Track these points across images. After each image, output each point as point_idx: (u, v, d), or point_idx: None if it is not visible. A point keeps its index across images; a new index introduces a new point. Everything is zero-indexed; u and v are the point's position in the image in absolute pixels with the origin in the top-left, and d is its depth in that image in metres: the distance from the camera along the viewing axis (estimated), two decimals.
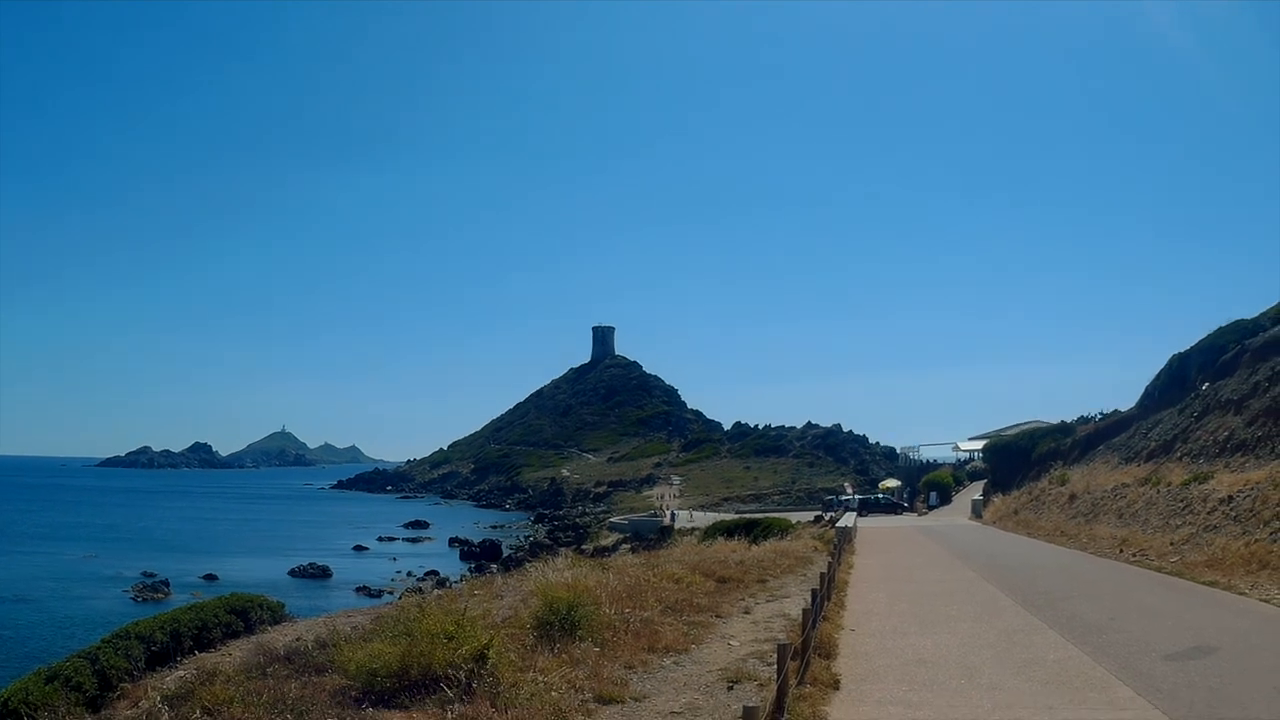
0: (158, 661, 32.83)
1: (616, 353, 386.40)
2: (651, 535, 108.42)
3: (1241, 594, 33.29)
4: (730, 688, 18.58)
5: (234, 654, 30.98)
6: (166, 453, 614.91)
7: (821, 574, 30.01)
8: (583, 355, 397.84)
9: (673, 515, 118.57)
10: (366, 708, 16.32)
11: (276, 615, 39.74)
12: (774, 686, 15.73)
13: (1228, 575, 37.03)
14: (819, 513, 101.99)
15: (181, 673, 29.53)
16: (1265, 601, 31.29)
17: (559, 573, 33.20)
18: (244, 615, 37.71)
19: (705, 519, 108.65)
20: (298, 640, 28.51)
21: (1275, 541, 38.22)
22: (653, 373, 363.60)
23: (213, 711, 15.80)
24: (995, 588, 36.70)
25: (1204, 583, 36.58)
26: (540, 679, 17.54)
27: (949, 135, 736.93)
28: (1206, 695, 17.72)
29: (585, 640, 21.63)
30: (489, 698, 15.99)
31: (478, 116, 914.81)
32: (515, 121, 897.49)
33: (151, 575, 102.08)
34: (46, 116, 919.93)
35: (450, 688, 16.45)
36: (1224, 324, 76.97)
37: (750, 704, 10.95)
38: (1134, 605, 31.07)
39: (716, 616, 28.11)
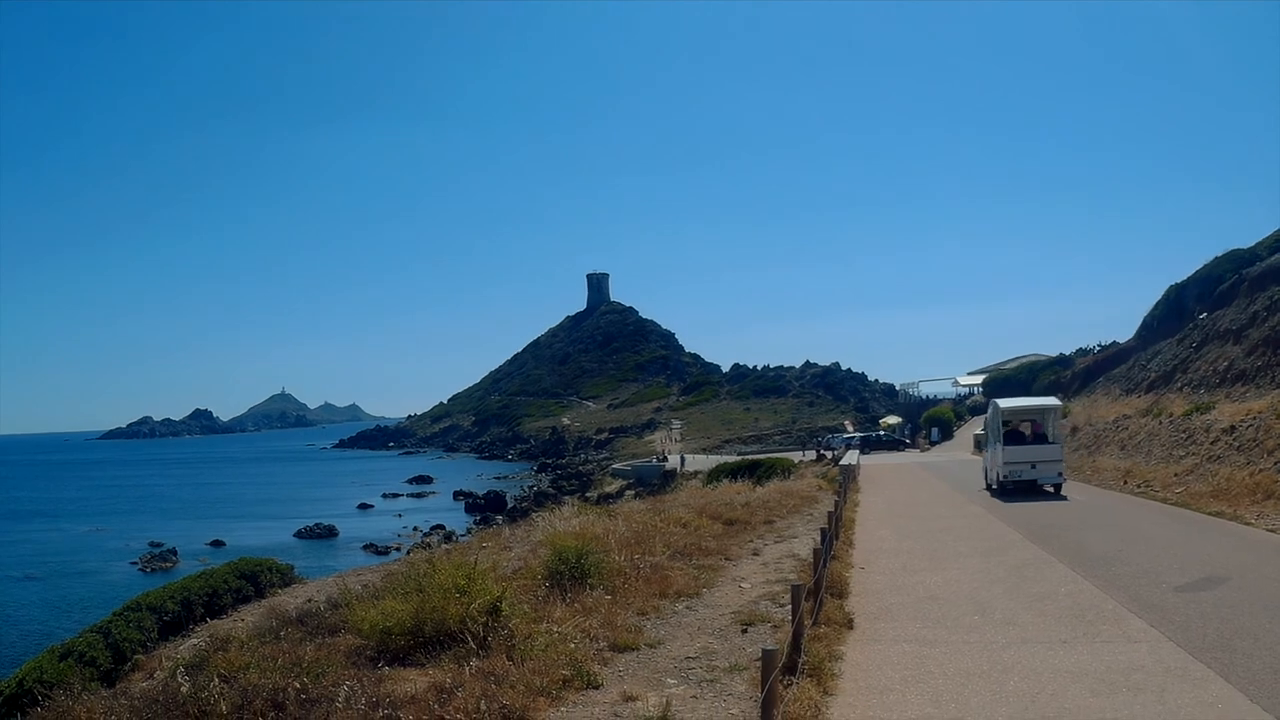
0: (170, 631, 32.86)
1: (612, 299, 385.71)
2: (655, 480, 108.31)
3: (1248, 524, 33.57)
4: (744, 630, 18.56)
5: (246, 619, 30.99)
6: (167, 421, 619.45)
7: (829, 513, 29.83)
8: (578, 303, 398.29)
9: (681, 459, 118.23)
10: (382, 666, 16.21)
11: (286, 578, 39.77)
12: (788, 628, 15.73)
13: (1233, 505, 37.18)
14: (821, 451, 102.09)
15: (195, 641, 29.54)
16: (1272, 531, 31.51)
17: (566, 521, 33.45)
18: (254, 579, 37.72)
19: (707, 461, 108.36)
20: (309, 602, 28.49)
21: None
22: (649, 318, 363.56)
23: (229, 679, 15.71)
24: (1001, 522, 36.94)
25: (1209, 513, 36.81)
26: (555, 629, 17.45)
27: (941, 71, 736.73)
28: (1219, 626, 17.78)
29: (596, 588, 21.58)
30: (505, 651, 15.94)
31: (467, 70, 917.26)
32: (504, 73, 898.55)
33: (158, 545, 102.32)
34: (39, 88, 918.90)
35: (465, 642, 16.40)
36: (1220, 254, 77.05)
37: (769, 646, 10.88)
38: (1141, 537, 31.28)
39: (726, 559, 28.12)
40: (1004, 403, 55.38)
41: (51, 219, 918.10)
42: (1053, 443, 50.48)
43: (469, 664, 15.37)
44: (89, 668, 27.86)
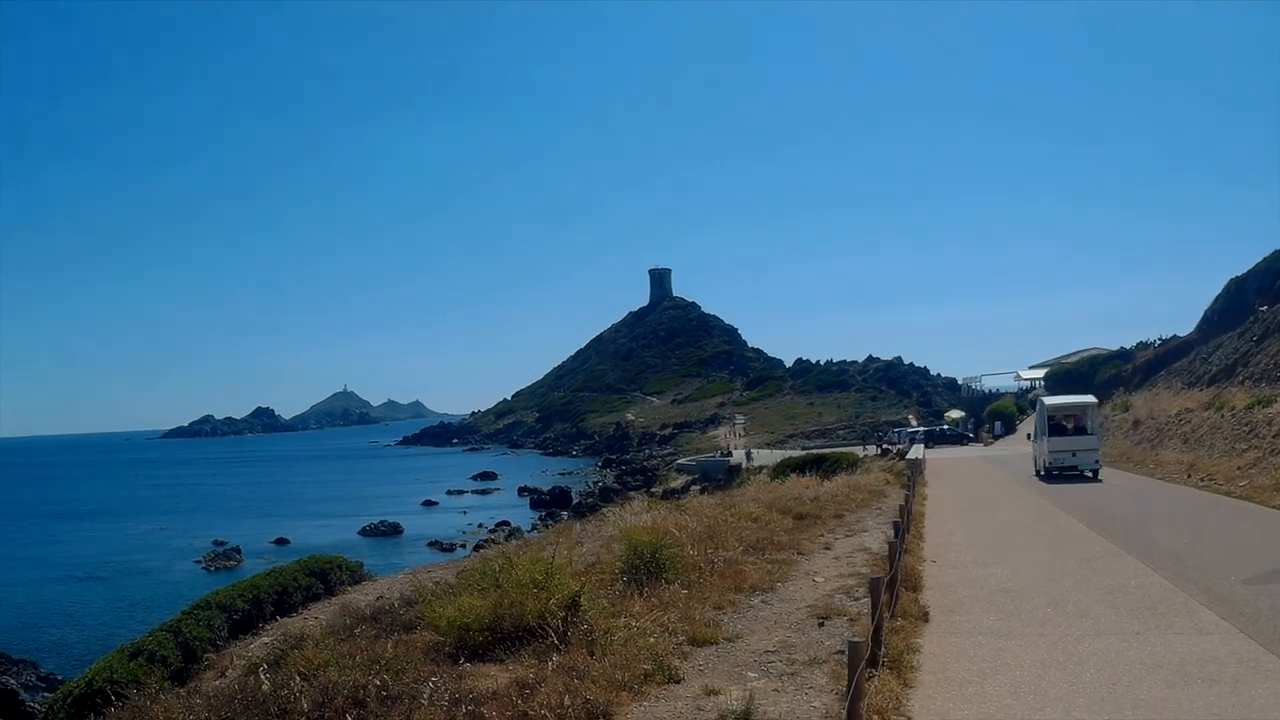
0: (240, 629, 33.07)
1: (674, 294, 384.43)
2: (720, 475, 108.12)
3: None
4: (821, 624, 18.59)
5: (318, 617, 31.07)
6: (229, 420, 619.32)
7: (900, 506, 30.14)
8: (641, 299, 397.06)
9: (748, 454, 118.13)
10: (463, 663, 16.29)
11: (356, 575, 39.96)
12: (864, 621, 16.04)
13: None
14: (885, 446, 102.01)
15: (265, 639, 29.80)
16: None
17: (636, 516, 33.34)
18: (323, 577, 37.90)
19: (772, 456, 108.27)
20: (381, 599, 28.78)
21: None
22: (711, 313, 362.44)
23: (308, 676, 15.96)
24: (1069, 515, 36.95)
25: (1274, 506, 36.83)
26: (633, 624, 17.61)
27: (1011, 66, 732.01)
28: None
29: (672, 583, 21.68)
30: (584, 645, 16.10)
31: (529, 63, 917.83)
32: (567, 66, 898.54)
33: (222, 543, 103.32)
34: (96, 82, 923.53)
35: (545, 638, 16.50)
36: None
37: (854, 639, 11.15)
38: (1208, 530, 31.44)
39: (798, 554, 28.13)
40: (1049, 400, 65.53)
41: (111, 216, 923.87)
42: (1090, 434, 57.56)
43: (550, 659, 15.51)
44: (159, 666, 27.95)
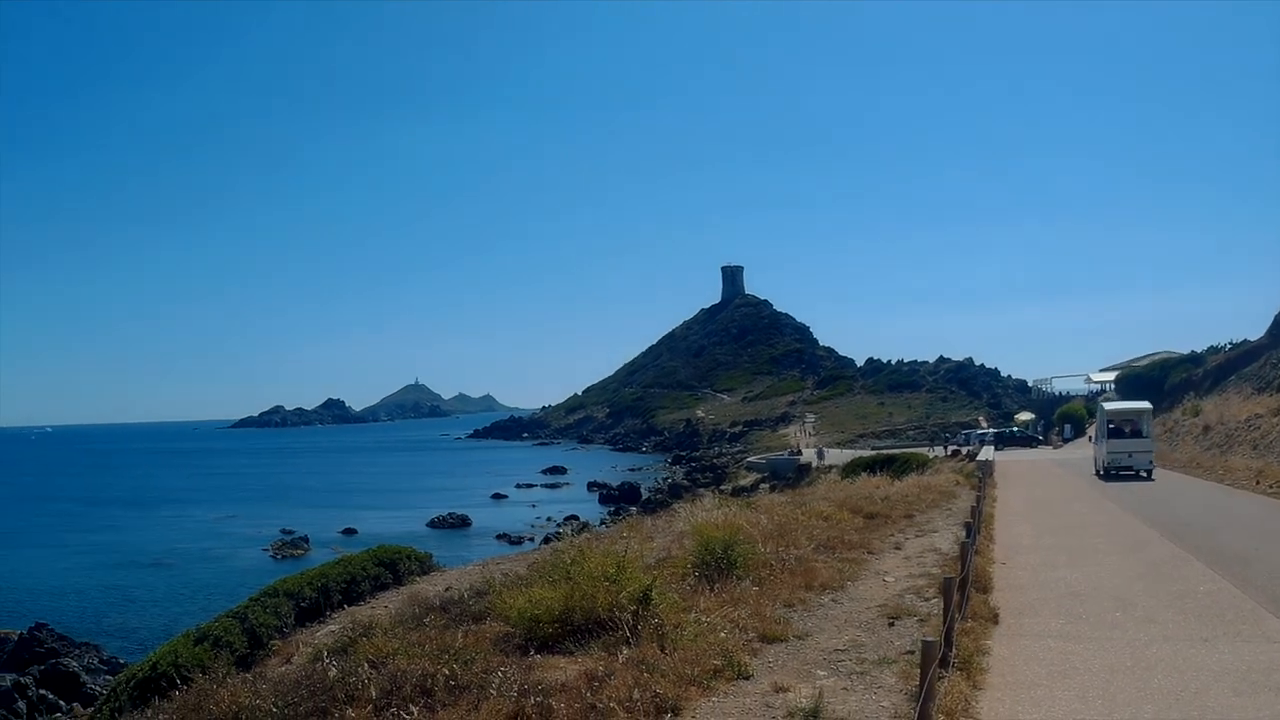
0: (307, 617, 33.35)
1: (746, 292, 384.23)
2: (789, 474, 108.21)
3: None
4: (891, 624, 18.73)
5: (386, 606, 31.36)
6: (299, 411, 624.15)
7: (971, 508, 30.24)
8: (713, 295, 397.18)
9: (820, 452, 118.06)
10: (532, 654, 16.46)
11: (425, 566, 40.14)
12: (934, 622, 16.16)
13: None
14: (955, 447, 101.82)
15: (333, 627, 30.07)
16: None
17: (708, 513, 33.30)
18: (392, 567, 38.13)
19: (842, 456, 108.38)
20: (449, 590, 28.95)
21: None
22: (783, 311, 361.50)
23: (376, 664, 16.17)
24: (1137, 519, 36.89)
25: None
26: (703, 619, 17.71)
27: (1100, 56, 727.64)
28: None
29: (743, 579, 21.82)
30: (654, 639, 16.21)
31: (601, 59, 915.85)
32: (639, 61, 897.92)
33: (290, 532, 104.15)
34: (142, 74, 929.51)
35: (615, 630, 16.65)
36: None
37: (928, 638, 11.29)
38: (1275, 537, 31.30)
39: (868, 553, 28.23)
40: (1109, 406, 71.37)
41: (184, 209, 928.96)
42: (1145, 438, 61.94)
43: (620, 652, 15.66)
44: (225, 652, 28.22)
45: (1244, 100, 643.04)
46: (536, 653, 16.67)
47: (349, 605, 34.68)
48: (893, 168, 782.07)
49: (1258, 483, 50.12)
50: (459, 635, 18.59)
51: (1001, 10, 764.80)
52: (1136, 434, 62.22)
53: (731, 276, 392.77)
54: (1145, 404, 68.64)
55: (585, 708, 13.24)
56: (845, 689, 14.59)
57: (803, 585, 22.34)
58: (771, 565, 23.89)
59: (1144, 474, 59.29)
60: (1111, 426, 63.49)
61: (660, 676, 14.33)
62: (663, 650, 15.76)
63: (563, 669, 15.39)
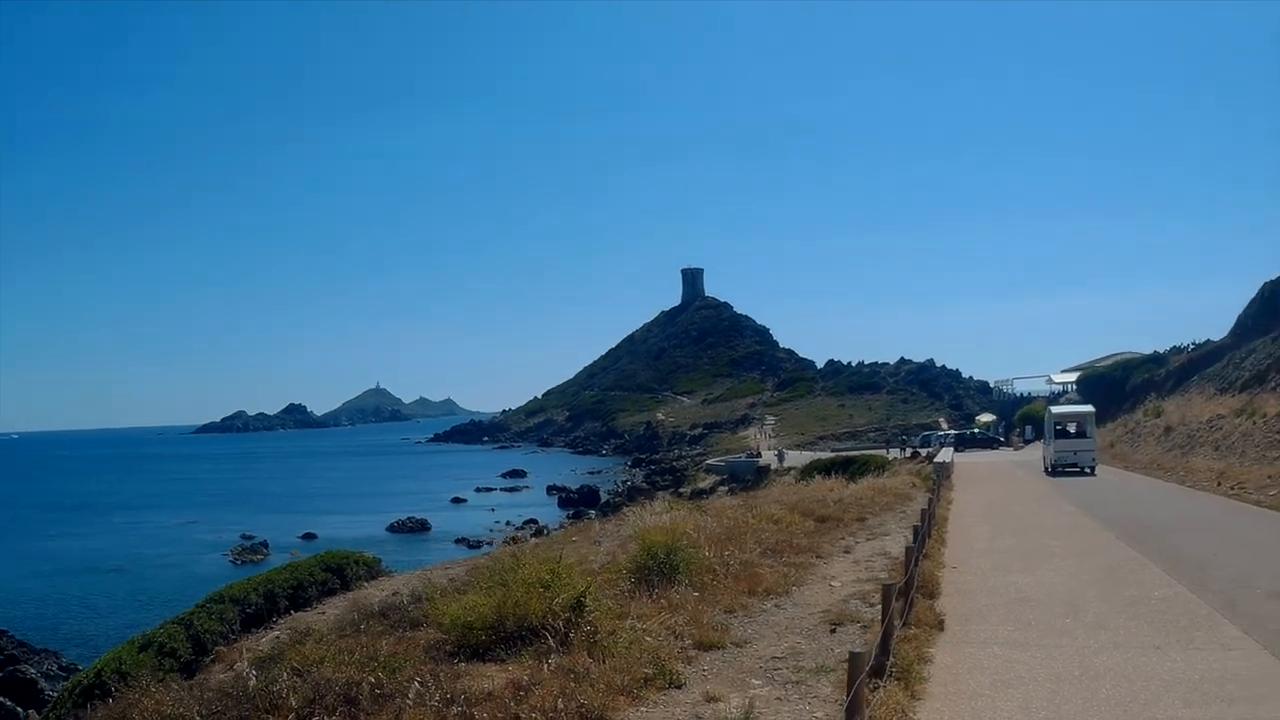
0: (253, 623, 33.05)
1: (706, 294, 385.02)
2: (748, 476, 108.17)
3: None
4: (833, 630, 18.42)
5: (329, 612, 31.14)
6: (261, 416, 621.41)
7: (922, 510, 29.85)
8: (673, 298, 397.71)
9: (780, 455, 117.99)
10: (458, 662, 16.13)
11: (373, 571, 39.88)
12: (878, 628, 15.60)
13: None
14: (914, 449, 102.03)
15: (276, 633, 29.73)
16: None
17: (656, 516, 33.33)
18: (340, 572, 37.82)
19: (801, 458, 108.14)
20: (395, 595, 28.62)
21: None
22: (743, 313, 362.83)
23: (302, 672, 15.72)
24: (1095, 522, 36.49)
25: None
26: (639, 626, 17.36)
27: (1039, 71, 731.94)
28: None
29: (684, 585, 21.49)
30: (586, 647, 15.87)
31: (561, 64, 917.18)
32: (592, 62, 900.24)
33: (250, 537, 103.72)
34: (116, 77, 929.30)
35: (547, 638, 16.28)
36: None
37: (856, 649, 10.73)
38: (1235, 540, 30.91)
39: (817, 557, 27.95)
40: (1055, 409, 78.22)
41: (140, 210, 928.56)
42: (1088, 438, 68.11)
43: (548, 660, 15.32)
44: (169, 659, 28.01)
45: (1214, 99, 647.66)
46: (468, 660, 16.33)
47: (295, 611, 34.49)
48: (854, 169, 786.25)
49: (1219, 484, 49.95)
50: (391, 642, 18.30)
51: (954, 9, 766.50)
52: (1081, 434, 68.44)
53: (691, 279, 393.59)
54: (1089, 407, 76.61)
55: (509, 718, 12.91)
56: (779, 699, 14.22)
57: (746, 590, 22.01)
58: (715, 570, 23.50)
59: (1087, 470, 64.90)
60: (1058, 428, 69.26)
61: (589, 686, 13.98)
62: (593, 658, 15.39)
63: (491, 677, 14.99)
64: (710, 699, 14.01)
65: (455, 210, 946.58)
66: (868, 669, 11.42)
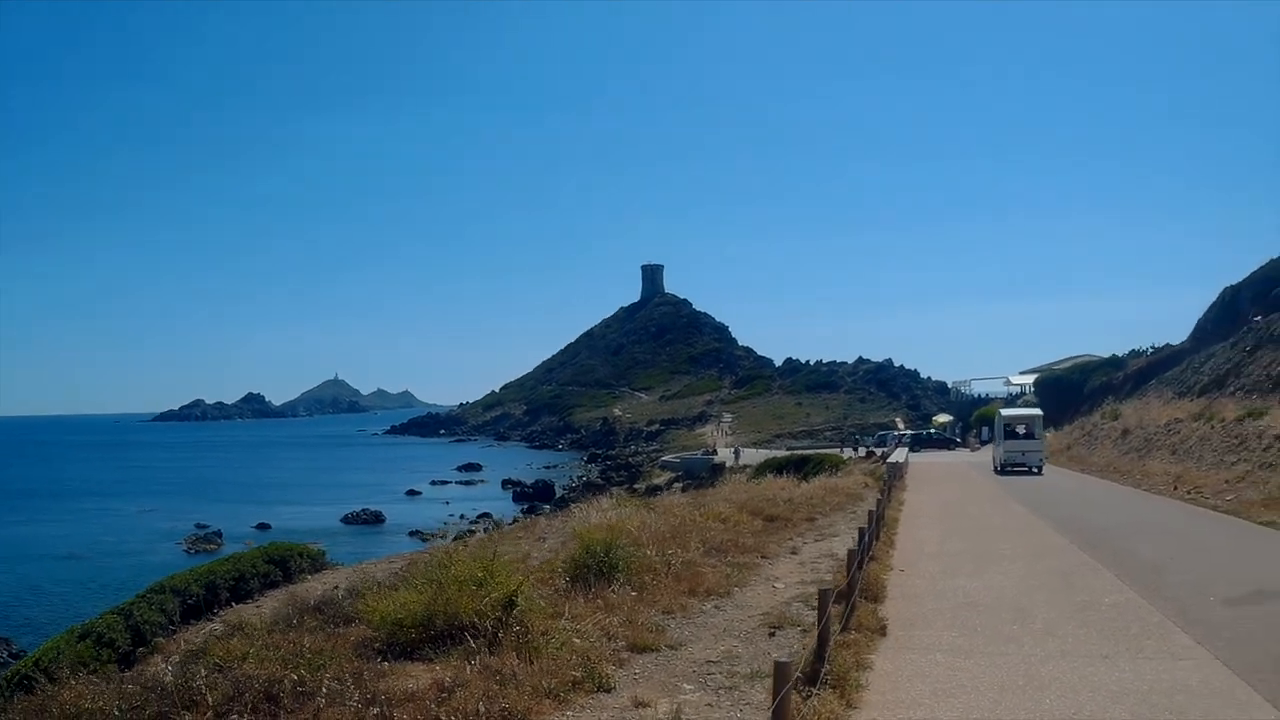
0: (194, 615, 32.76)
1: (666, 291, 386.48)
2: (703, 473, 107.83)
3: None
4: (772, 634, 17.97)
5: (267, 605, 30.77)
6: (220, 405, 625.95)
7: (870, 512, 29.32)
8: (632, 294, 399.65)
9: (736, 452, 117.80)
10: (379, 660, 15.69)
11: (317, 563, 39.68)
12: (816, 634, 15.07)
13: None
14: (869, 448, 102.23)
15: (214, 626, 29.26)
16: None
17: (602, 513, 33.02)
18: (283, 564, 37.60)
19: (757, 456, 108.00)
20: (336, 589, 28.14)
21: None
22: (703, 310, 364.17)
23: (224, 668, 15.18)
24: (1049, 525, 36.12)
25: (1261, 523, 35.86)
26: (572, 626, 16.96)
27: (1005, 72, 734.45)
28: (1267, 644, 16.95)
29: (622, 584, 21.06)
30: (516, 647, 15.40)
31: (520, 54, 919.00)
32: (558, 57, 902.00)
33: (204, 527, 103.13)
34: (80, 68, 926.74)
35: (475, 637, 15.80)
36: (1276, 256, 76.81)
37: (782, 658, 10.18)
38: (1190, 546, 30.50)
39: (762, 557, 27.60)
40: (1005, 411, 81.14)
41: (103, 197, 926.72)
42: (1036, 439, 71.01)
43: (473, 661, 14.86)
44: (107, 649, 27.86)
45: (1175, 107, 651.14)
46: (397, 659, 15.85)
47: (236, 603, 34.49)
48: (814, 169, 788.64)
49: (1176, 488, 49.75)
50: (321, 639, 17.68)
51: (919, 10, 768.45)
52: (1029, 436, 71.11)
53: (651, 275, 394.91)
54: (1037, 410, 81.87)
55: None
56: (709, 705, 13.75)
57: (686, 591, 21.59)
58: (657, 570, 23.03)
59: (1035, 470, 67.86)
60: (1008, 429, 71.99)
61: (514, 688, 13.51)
62: (523, 659, 14.90)
63: (417, 677, 14.48)
64: (639, 704, 13.57)
65: (417, 204, 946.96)
66: (796, 677, 10.97)
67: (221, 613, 32.97)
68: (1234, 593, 21.96)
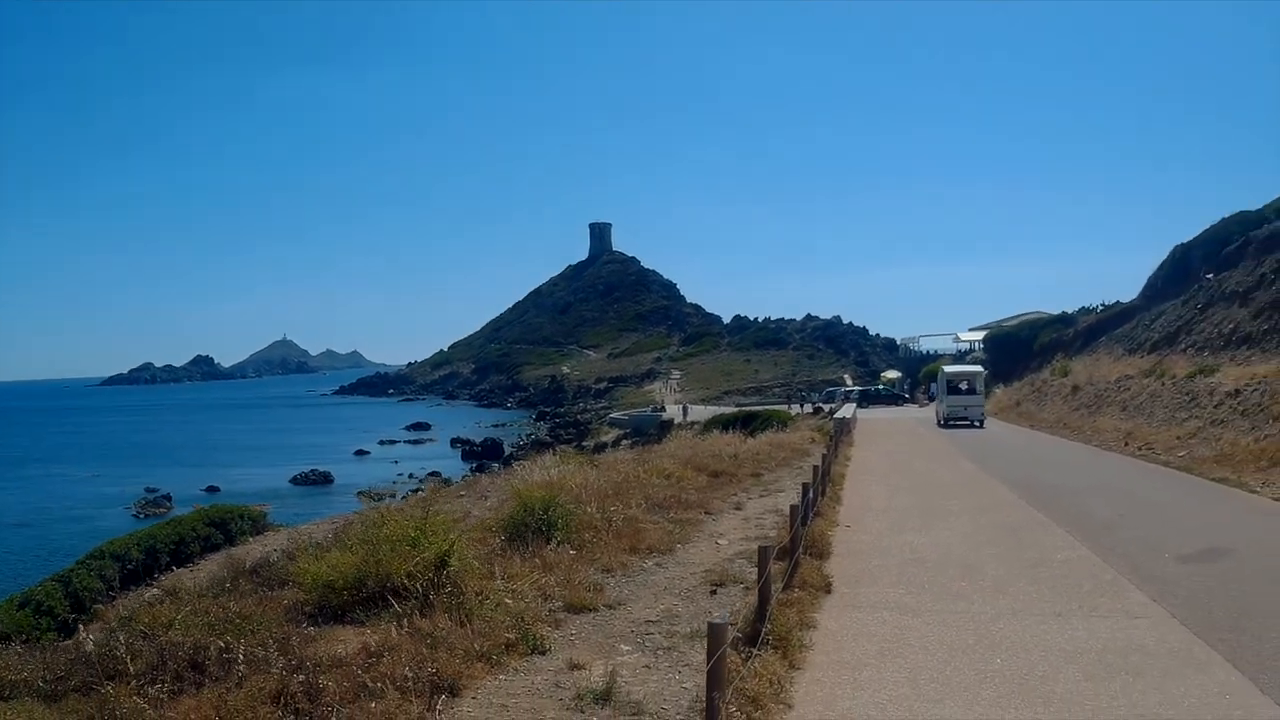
0: (133, 580, 32.38)
1: (614, 249, 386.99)
2: (651, 430, 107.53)
3: (1253, 492, 32.24)
4: (714, 592, 17.57)
5: (206, 569, 30.41)
6: (169, 368, 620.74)
7: (815, 467, 28.83)
8: (580, 253, 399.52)
9: (684, 409, 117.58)
10: (309, 625, 15.26)
11: (258, 525, 39.49)
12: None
13: (1237, 472, 36.06)
14: (818, 404, 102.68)
15: (155, 591, 28.82)
16: (1278, 501, 30.09)
17: (545, 470, 32.81)
18: (224, 527, 37.31)
19: (705, 413, 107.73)
20: (277, 551, 27.74)
21: None
22: (651, 267, 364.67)
23: (150, 635, 14.56)
24: (997, 481, 35.89)
25: (1213, 479, 35.70)
26: (508, 586, 16.39)
27: (945, 21, 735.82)
28: (1225, 602, 16.52)
29: (562, 542, 20.60)
30: (448, 609, 14.83)
31: (467, 12, 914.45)
32: (505, 15, 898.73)
33: (154, 490, 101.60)
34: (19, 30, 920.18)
35: (406, 599, 15.25)
36: (1228, 215, 76.94)
37: (717, 619, 9.59)
38: (1143, 502, 30.17)
39: (706, 513, 27.29)
40: (948, 369, 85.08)
41: (46, 160, 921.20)
42: (977, 394, 75.79)
43: (403, 624, 14.27)
44: (46, 617, 27.42)
45: (1125, 66, 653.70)
46: (329, 623, 15.38)
47: (177, 567, 34.30)
48: (764, 127, 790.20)
49: (1127, 444, 49.74)
50: (253, 603, 17.15)
51: None
52: (971, 391, 75.75)
53: (599, 233, 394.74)
54: (978, 368, 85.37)
55: (356, 686, 11.86)
56: (648, 667, 13.28)
57: (628, 548, 21.16)
58: (598, 527, 22.57)
59: (976, 423, 72.39)
60: (951, 385, 77.47)
61: (445, 651, 12.99)
62: (456, 621, 14.36)
63: (346, 641, 13.94)
64: (574, 666, 13.09)
65: (366, 164, 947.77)
66: (735, 637, 10.49)
67: (161, 577, 32.54)
68: (1188, 549, 21.61)
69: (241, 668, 12.56)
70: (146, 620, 16.43)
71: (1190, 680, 12.46)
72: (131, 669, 12.90)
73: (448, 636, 13.57)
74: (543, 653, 13.76)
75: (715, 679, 9.22)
